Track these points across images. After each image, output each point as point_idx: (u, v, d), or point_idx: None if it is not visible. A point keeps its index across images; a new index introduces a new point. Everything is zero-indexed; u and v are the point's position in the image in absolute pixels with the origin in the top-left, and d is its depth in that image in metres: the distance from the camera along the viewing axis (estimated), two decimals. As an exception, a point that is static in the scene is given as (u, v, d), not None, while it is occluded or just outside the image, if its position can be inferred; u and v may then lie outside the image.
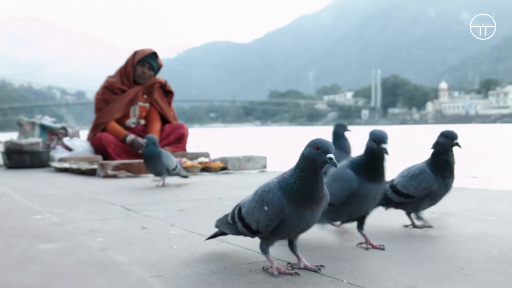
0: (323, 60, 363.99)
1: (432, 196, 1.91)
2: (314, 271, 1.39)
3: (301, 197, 1.31)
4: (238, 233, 1.48)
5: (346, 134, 3.12)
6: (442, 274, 1.37)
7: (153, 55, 5.60)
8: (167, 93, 5.85)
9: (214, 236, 1.62)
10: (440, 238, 1.85)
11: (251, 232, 1.41)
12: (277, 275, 1.34)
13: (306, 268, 1.41)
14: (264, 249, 1.41)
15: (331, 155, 1.28)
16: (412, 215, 2.00)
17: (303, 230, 1.40)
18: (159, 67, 5.70)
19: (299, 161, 1.33)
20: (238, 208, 1.46)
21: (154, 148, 3.60)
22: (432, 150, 1.94)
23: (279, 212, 1.32)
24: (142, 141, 5.29)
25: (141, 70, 5.54)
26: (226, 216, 1.55)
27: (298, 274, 1.34)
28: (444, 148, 1.89)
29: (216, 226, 1.58)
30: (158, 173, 3.66)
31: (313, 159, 1.29)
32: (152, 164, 3.61)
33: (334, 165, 1.28)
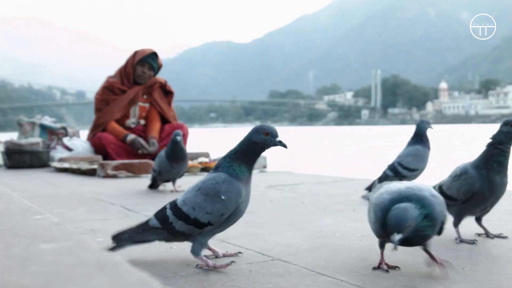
0: (323, 60, 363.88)
1: (477, 199, 1.79)
2: (234, 255, 1.56)
3: (248, 173, 1.47)
4: (170, 235, 1.48)
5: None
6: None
7: (153, 55, 5.60)
8: (167, 93, 5.85)
9: (117, 248, 1.49)
10: (440, 238, 1.85)
11: (198, 226, 1.44)
12: (212, 266, 1.43)
13: (224, 256, 1.55)
14: (196, 251, 1.46)
15: (279, 138, 1.45)
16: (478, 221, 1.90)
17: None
18: (159, 67, 5.70)
19: (242, 147, 1.46)
20: (172, 209, 1.47)
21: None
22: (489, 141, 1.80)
23: (237, 198, 1.43)
24: (143, 141, 5.30)
25: (141, 70, 5.54)
26: (141, 225, 1.49)
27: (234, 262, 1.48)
28: (508, 137, 1.75)
29: (124, 239, 1.48)
30: (178, 176, 3.32)
31: (264, 144, 1.45)
32: (181, 164, 3.22)
33: (285, 146, 1.45)
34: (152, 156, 5.30)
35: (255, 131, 1.46)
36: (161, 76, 5.86)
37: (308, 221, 2.19)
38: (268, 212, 2.47)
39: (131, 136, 5.30)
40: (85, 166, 4.78)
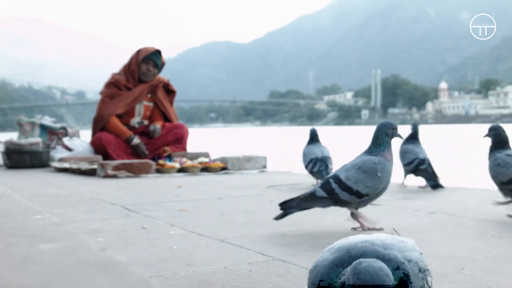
0: (323, 60, 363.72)
1: None
2: (379, 229, 1.93)
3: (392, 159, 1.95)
4: (334, 203, 1.93)
5: None
6: (442, 274, 1.37)
7: (157, 52, 5.60)
8: (169, 92, 5.86)
9: (284, 216, 1.99)
10: (440, 238, 1.85)
11: (358, 197, 1.89)
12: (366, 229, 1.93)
13: (369, 229, 1.94)
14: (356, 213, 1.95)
15: (399, 133, 1.96)
16: None
17: None
18: (162, 65, 5.71)
19: (380, 140, 1.92)
20: (337, 183, 1.89)
21: None
22: None
23: (388, 176, 1.91)
24: (145, 149, 5.32)
25: (146, 67, 5.53)
26: (308, 196, 1.93)
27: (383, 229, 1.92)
28: None
29: (293, 207, 1.95)
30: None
31: (392, 136, 1.94)
32: None
33: (402, 137, 2.03)
34: (153, 156, 5.30)
35: (386, 126, 1.92)
36: (161, 75, 5.86)
37: (308, 221, 2.19)
38: (268, 212, 2.47)
39: (137, 140, 5.30)
40: (85, 166, 4.78)
